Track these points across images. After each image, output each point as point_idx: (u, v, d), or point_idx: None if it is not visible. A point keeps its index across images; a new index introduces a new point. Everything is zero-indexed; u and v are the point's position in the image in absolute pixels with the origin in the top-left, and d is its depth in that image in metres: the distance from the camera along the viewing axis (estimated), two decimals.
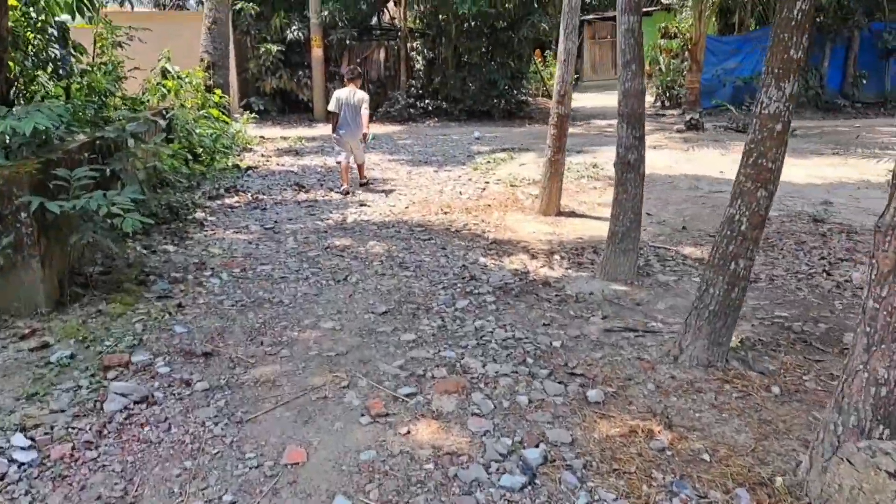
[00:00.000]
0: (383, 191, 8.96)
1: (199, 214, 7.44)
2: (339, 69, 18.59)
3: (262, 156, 11.68)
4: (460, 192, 8.77)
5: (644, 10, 28.66)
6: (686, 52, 19.17)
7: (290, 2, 18.14)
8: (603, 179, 9.45)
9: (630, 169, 5.18)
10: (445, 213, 7.69)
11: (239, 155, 11.51)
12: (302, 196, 8.59)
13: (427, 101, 18.65)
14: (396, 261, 5.85)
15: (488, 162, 10.97)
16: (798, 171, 9.66)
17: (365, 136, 8.71)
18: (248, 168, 10.39)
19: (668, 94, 19.63)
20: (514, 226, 7.11)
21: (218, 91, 12.59)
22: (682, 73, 19.46)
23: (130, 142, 5.63)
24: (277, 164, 10.88)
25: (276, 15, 17.62)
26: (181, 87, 11.76)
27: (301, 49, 18.24)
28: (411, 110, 18.31)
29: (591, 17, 29.30)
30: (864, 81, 17.63)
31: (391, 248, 6.25)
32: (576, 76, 28.85)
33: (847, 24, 16.69)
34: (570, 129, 16.09)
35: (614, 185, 5.37)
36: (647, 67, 26.86)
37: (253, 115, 14.12)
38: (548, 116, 7.50)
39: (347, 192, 8.65)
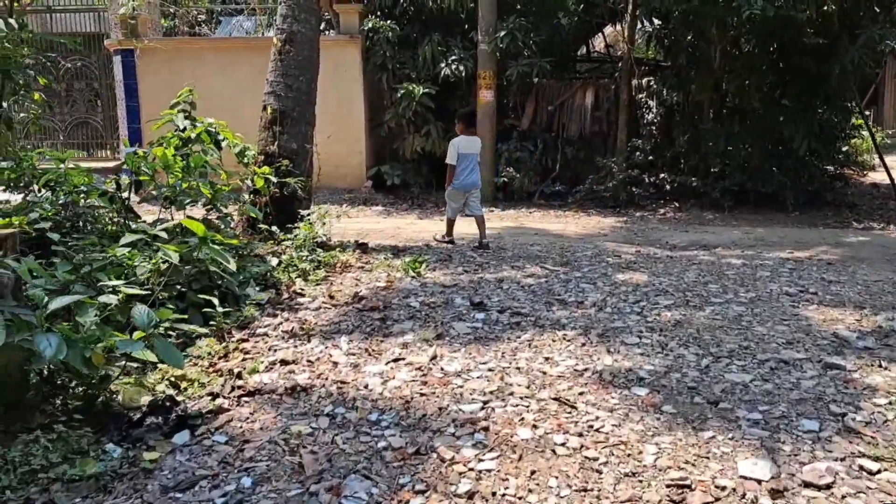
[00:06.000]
0: None
1: None
2: (517, 124, 11.94)
3: (298, 334, 4.93)
4: None
5: None
6: None
7: (449, 21, 11.96)
8: None
9: None
10: None
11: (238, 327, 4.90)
12: None
13: (662, 174, 11.32)
14: None
15: None
16: None
17: None
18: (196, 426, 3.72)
19: None
20: None
21: (264, 169, 6.55)
22: None
23: None
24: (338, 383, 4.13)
25: (427, 40, 11.49)
26: (201, 155, 6.04)
27: (462, 91, 11.92)
28: (633, 189, 11.07)
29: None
30: None
31: None
32: (877, 130, 19.69)
33: None
34: None
35: None
36: None
37: (345, 207, 7.84)
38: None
39: (453, 243, 7.72)
